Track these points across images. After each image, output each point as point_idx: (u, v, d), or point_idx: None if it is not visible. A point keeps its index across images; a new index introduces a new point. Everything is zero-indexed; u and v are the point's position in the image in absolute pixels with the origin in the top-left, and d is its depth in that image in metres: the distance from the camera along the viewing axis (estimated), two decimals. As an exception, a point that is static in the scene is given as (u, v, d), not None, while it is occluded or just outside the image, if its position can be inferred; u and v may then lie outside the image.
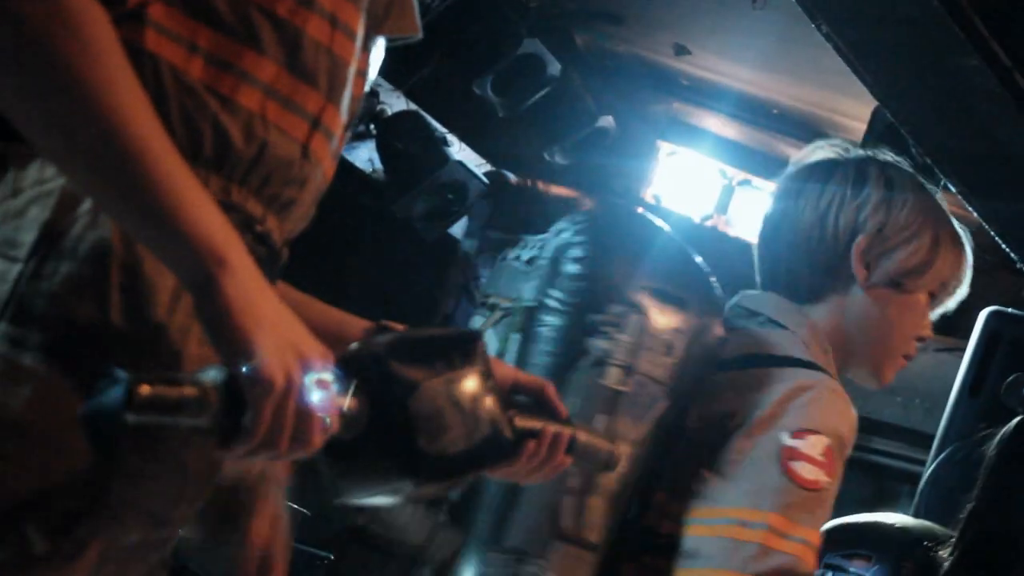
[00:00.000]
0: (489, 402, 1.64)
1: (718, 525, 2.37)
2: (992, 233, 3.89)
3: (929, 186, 2.56)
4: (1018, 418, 2.97)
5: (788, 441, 2.27)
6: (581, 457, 1.87)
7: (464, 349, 1.65)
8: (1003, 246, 4.01)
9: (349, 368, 1.50)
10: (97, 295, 1.50)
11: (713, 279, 2.57)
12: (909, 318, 2.43)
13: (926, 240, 2.40)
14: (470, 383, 1.62)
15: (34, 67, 1.40)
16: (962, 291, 2.53)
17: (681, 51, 4.91)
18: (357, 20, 1.67)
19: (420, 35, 1.96)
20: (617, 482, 2.35)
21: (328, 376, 1.45)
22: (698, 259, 2.52)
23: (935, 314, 2.52)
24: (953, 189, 3.94)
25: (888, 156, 2.52)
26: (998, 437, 3.09)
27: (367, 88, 1.85)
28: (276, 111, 1.58)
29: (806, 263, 2.46)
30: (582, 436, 1.83)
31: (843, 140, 2.67)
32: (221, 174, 1.52)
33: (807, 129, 5.20)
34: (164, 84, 1.50)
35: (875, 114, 4.10)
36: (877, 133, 4.14)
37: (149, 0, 1.51)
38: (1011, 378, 2.89)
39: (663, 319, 2.35)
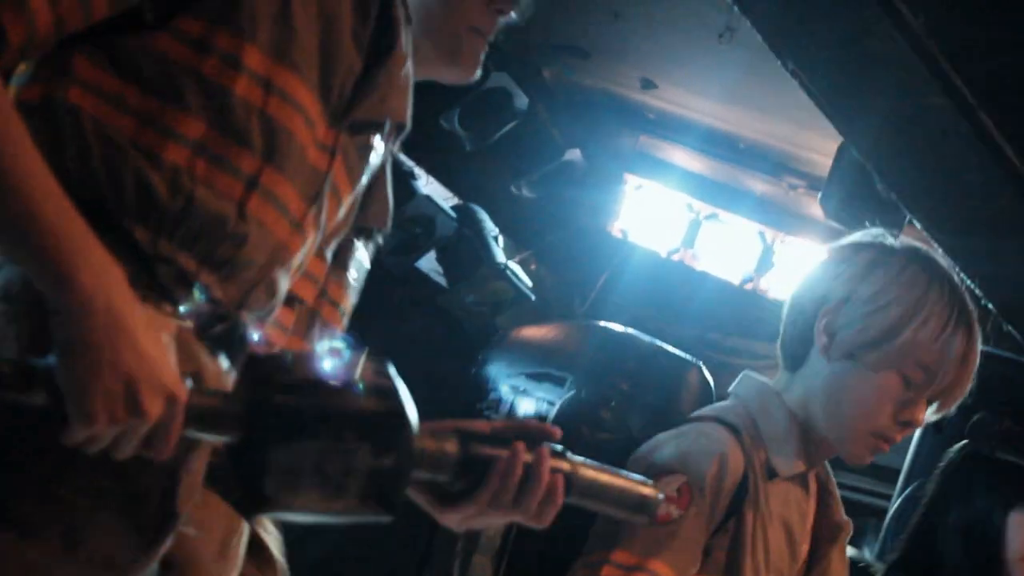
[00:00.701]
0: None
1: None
2: (957, 269, 3.92)
3: (941, 260, 2.48)
4: (957, 447, 2.96)
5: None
6: (589, 497, 1.78)
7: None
8: (968, 282, 4.03)
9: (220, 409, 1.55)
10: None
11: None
12: (875, 396, 2.40)
13: (892, 315, 2.39)
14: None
15: None
16: (959, 388, 2.46)
17: (647, 85, 4.95)
18: (299, 89, 1.69)
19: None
20: (500, 537, 2.52)
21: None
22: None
23: (931, 409, 2.47)
24: (918, 224, 3.96)
25: (915, 245, 2.50)
26: (938, 470, 3.13)
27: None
28: (205, 168, 1.62)
29: (789, 332, 2.55)
30: (586, 473, 1.76)
31: (885, 230, 2.70)
32: (147, 226, 1.55)
33: (773, 163, 5.25)
34: (86, 137, 1.56)
35: (841, 149, 4.15)
36: (843, 168, 4.19)
37: (68, 55, 1.61)
38: (976, 417, 2.89)
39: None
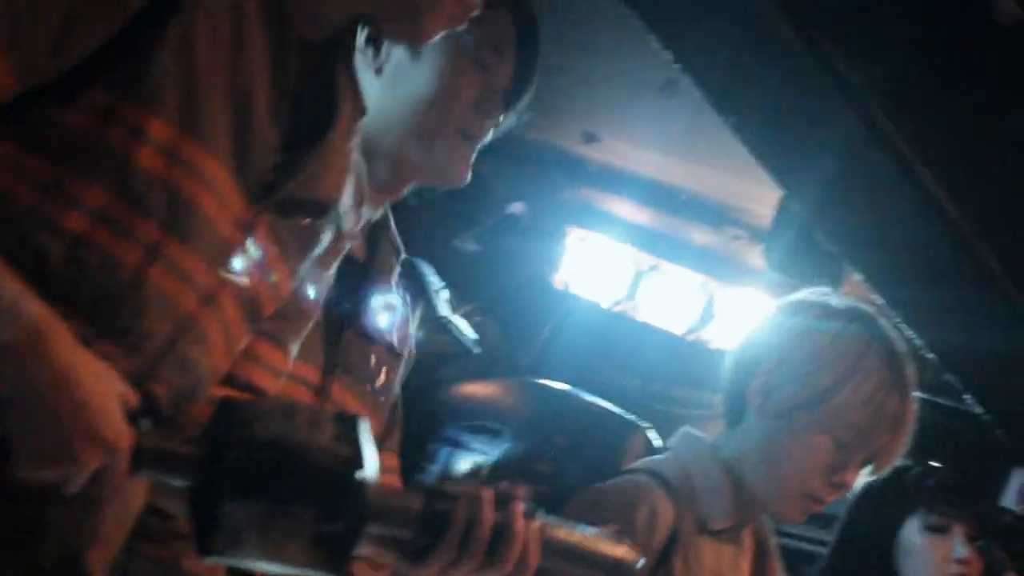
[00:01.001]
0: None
1: None
2: (896, 318, 3.99)
3: (880, 320, 2.52)
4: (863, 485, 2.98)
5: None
6: (564, 558, 1.79)
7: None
8: (909, 334, 4.10)
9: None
10: None
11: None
12: (807, 459, 2.52)
13: (825, 379, 2.47)
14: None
15: None
16: (894, 450, 2.52)
17: (590, 138, 4.99)
18: (208, 162, 1.69)
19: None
20: None
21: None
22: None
23: (866, 471, 2.52)
24: (858, 277, 4.03)
25: (858, 306, 2.56)
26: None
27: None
28: (104, 236, 1.63)
29: (728, 388, 2.61)
30: (560, 532, 1.79)
31: (829, 289, 2.78)
32: (43, 292, 1.56)
33: (716, 214, 5.21)
34: None
35: (783, 201, 4.21)
36: (785, 220, 4.25)
37: None
38: (915, 469, 2.94)
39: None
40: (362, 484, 1.58)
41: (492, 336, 2.59)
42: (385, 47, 2.17)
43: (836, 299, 2.62)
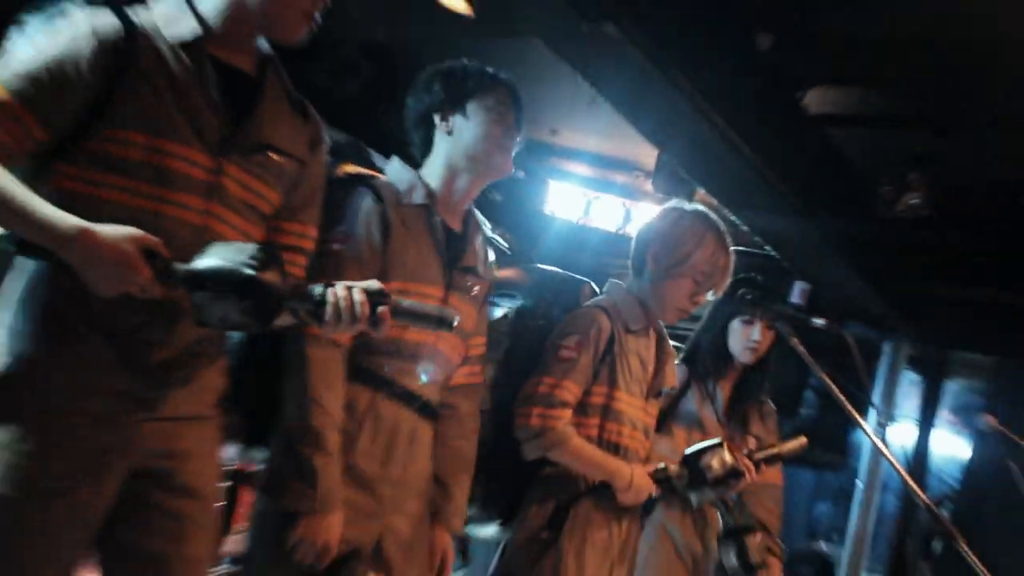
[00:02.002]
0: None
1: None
2: (725, 211, 4.04)
3: (712, 216, 2.53)
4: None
5: (557, 340, 2.46)
6: (404, 317, 1.61)
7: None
8: (730, 217, 4.12)
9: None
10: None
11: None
12: (679, 290, 2.48)
13: (685, 248, 2.48)
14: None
15: None
16: (724, 281, 2.52)
17: (554, 132, 5.15)
18: (171, 145, 1.53)
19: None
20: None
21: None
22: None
23: (710, 294, 2.56)
24: (703, 191, 4.08)
25: (700, 208, 2.56)
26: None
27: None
28: (131, 199, 1.51)
29: (633, 256, 2.56)
30: (403, 303, 1.58)
31: (685, 199, 2.68)
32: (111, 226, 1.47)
33: (627, 166, 5.51)
34: (68, 203, 1.48)
35: (659, 155, 4.35)
36: (661, 164, 4.38)
37: (54, 159, 1.54)
38: (738, 287, 2.84)
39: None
40: (255, 279, 1.45)
41: (513, 242, 2.54)
42: (450, 118, 2.13)
43: (688, 205, 2.60)
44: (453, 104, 2.09)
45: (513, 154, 2.14)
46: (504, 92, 2.10)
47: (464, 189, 2.12)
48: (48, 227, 1.43)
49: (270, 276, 1.48)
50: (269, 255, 1.51)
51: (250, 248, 1.52)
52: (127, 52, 1.52)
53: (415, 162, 2.23)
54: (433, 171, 2.13)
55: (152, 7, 1.61)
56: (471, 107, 2.07)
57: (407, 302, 1.61)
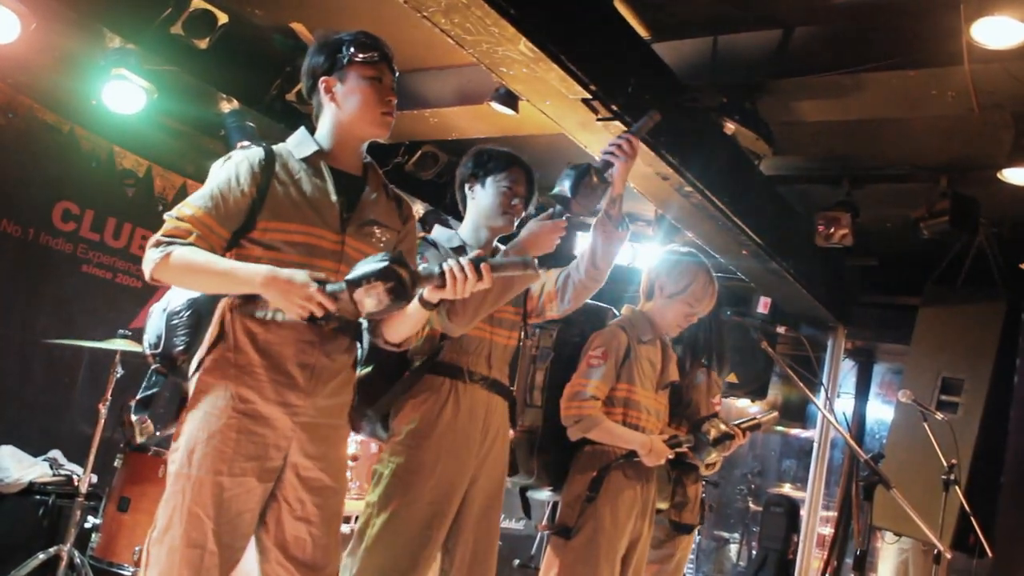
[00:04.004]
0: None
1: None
2: (711, 255, 3.97)
3: (702, 257, 2.51)
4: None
5: (588, 351, 2.37)
6: (499, 270, 1.61)
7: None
8: (713, 259, 4.07)
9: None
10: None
11: None
12: (678, 313, 2.44)
13: (683, 282, 2.41)
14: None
15: (186, 279, 1.56)
16: (710, 307, 2.45)
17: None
18: (303, 227, 1.59)
19: None
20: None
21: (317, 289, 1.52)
22: None
23: (699, 316, 2.50)
24: (691, 236, 3.90)
25: (694, 252, 2.49)
26: None
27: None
28: (284, 262, 1.54)
29: (645, 287, 2.45)
30: (495, 262, 1.58)
31: (679, 245, 2.72)
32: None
33: (635, 218, 4.78)
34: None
35: (657, 213, 4.19)
36: (660, 218, 4.20)
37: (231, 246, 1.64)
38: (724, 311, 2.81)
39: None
40: (389, 266, 1.48)
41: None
42: (475, 188, 2.12)
43: (684, 248, 2.58)
44: (476, 177, 2.06)
45: (520, 218, 2.03)
46: (517, 171, 2.03)
47: (485, 239, 2.08)
48: (248, 277, 1.54)
49: (400, 264, 1.56)
50: (395, 253, 1.60)
51: (380, 254, 1.60)
52: (267, 168, 1.64)
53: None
54: (465, 227, 2.11)
55: (288, 141, 1.75)
56: (488, 181, 2.04)
57: (496, 259, 1.65)
